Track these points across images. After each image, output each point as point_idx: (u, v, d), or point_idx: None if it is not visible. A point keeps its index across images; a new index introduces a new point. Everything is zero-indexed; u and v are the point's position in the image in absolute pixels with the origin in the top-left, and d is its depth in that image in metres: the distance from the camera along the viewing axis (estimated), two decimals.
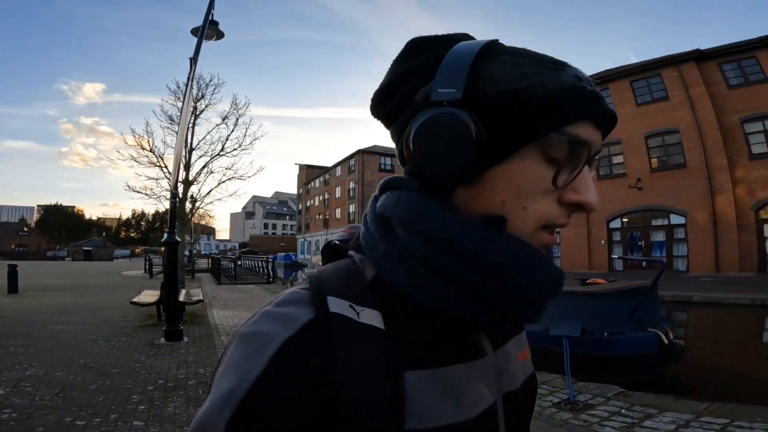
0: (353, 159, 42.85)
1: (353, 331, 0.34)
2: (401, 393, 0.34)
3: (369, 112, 0.46)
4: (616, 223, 18.05)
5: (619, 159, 18.15)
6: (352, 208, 42.51)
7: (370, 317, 0.36)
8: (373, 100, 0.44)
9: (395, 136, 0.43)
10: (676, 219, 16.45)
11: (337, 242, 0.46)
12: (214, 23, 7.16)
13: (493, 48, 0.39)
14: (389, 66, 0.43)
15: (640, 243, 17.39)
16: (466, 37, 0.42)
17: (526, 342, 0.52)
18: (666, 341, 5.09)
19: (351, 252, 0.43)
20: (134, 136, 12.95)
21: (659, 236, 17.08)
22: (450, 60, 0.37)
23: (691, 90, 16.42)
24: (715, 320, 9.22)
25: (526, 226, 0.38)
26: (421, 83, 0.39)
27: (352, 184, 42.71)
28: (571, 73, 0.38)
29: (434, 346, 0.38)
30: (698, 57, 16.71)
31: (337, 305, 0.35)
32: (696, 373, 5.45)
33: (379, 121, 0.45)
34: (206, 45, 7.23)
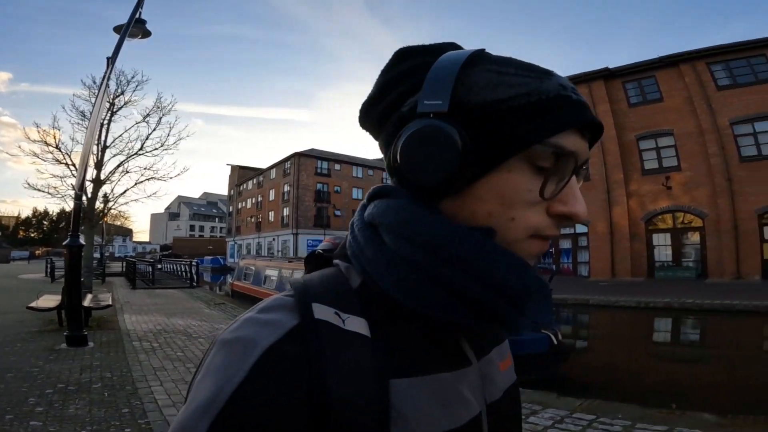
0: (289, 162, 42.22)
1: (339, 339, 0.34)
2: (387, 401, 0.34)
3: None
4: None
5: None
6: (286, 211, 41.79)
7: (356, 325, 0.36)
8: (360, 110, 0.45)
9: (383, 147, 0.43)
10: (580, 228, 18.21)
11: (321, 251, 0.46)
12: (141, 21, 6.81)
13: (478, 57, 0.39)
14: (377, 76, 0.43)
15: (551, 250, 19.10)
16: (453, 46, 0.43)
17: (508, 351, 0.52)
18: (556, 342, 5.69)
19: (336, 261, 0.43)
20: (38, 131, 11.83)
21: (567, 244, 18.90)
22: (436, 71, 0.38)
23: (598, 107, 17.99)
24: (608, 321, 10.40)
25: (515, 235, 0.38)
26: (407, 92, 0.40)
27: (286, 187, 42.00)
28: (556, 82, 0.38)
29: (421, 354, 0.38)
30: (606, 75, 18.38)
31: (322, 312, 0.35)
32: (582, 371, 6.18)
33: (367, 132, 0.46)
34: (133, 41, 6.89)
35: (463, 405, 0.39)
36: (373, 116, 0.43)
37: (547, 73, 0.39)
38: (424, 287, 0.36)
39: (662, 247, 16.80)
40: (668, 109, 16.79)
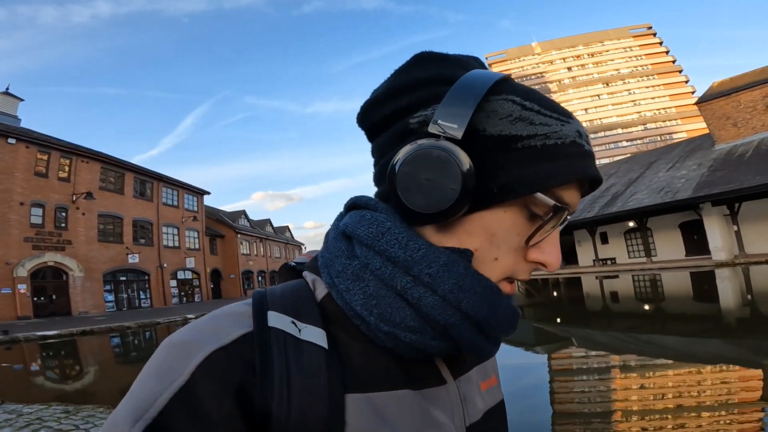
0: None
1: (292, 348, 0.33)
2: (341, 416, 0.32)
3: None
4: None
5: None
6: None
7: (313, 335, 0.35)
8: (363, 107, 0.42)
9: (376, 153, 0.41)
10: None
11: (294, 264, 0.45)
12: None
13: (503, 84, 0.37)
14: (388, 75, 0.40)
15: None
16: (478, 62, 0.41)
17: (494, 370, 0.49)
18: None
19: (305, 272, 0.42)
20: None
21: None
22: (459, 90, 0.35)
23: None
24: None
25: (493, 275, 0.37)
26: (417, 102, 0.38)
27: None
28: (575, 128, 0.37)
29: (383, 370, 0.36)
30: None
31: (277, 320, 0.34)
32: None
33: (363, 130, 0.43)
34: None
35: (431, 426, 0.37)
36: (374, 117, 0.41)
37: (569, 116, 0.38)
38: (391, 305, 0.35)
39: None
40: None
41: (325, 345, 0.34)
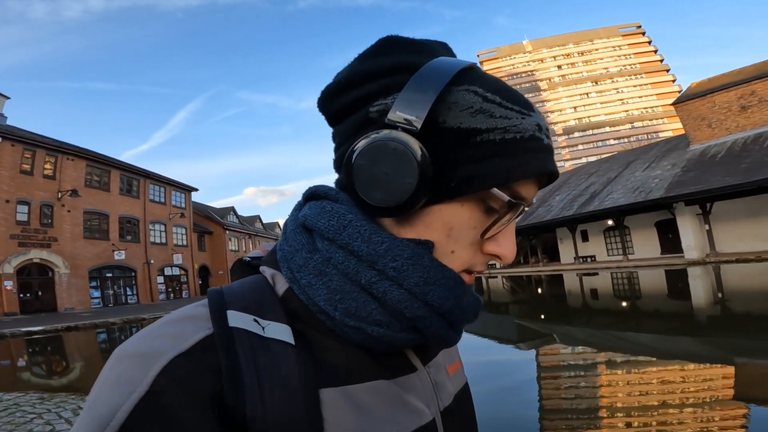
0: None
1: (258, 347, 0.32)
2: (318, 411, 0.31)
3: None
4: None
5: None
6: None
7: (278, 332, 0.33)
8: (324, 93, 0.40)
9: (337, 139, 0.40)
10: None
11: (249, 259, 0.43)
12: None
13: (467, 74, 0.36)
14: (352, 60, 0.39)
15: None
16: (445, 48, 0.41)
17: (457, 353, 0.50)
18: None
19: (262, 267, 0.40)
20: None
21: None
22: (420, 79, 0.34)
23: None
24: None
25: (450, 267, 0.37)
26: (380, 90, 0.36)
27: None
28: (534, 121, 0.36)
29: (354, 363, 0.36)
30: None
31: (238, 319, 0.33)
32: None
33: (323, 116, 0.41)
34: None
35: (408, 413, 0.37)
36: (336, 104, 0.39)
37: (530, 108, 0.37)
38: (356, 300, 0.35)
39: None
40: None
41: (291, 341, 0.34)
